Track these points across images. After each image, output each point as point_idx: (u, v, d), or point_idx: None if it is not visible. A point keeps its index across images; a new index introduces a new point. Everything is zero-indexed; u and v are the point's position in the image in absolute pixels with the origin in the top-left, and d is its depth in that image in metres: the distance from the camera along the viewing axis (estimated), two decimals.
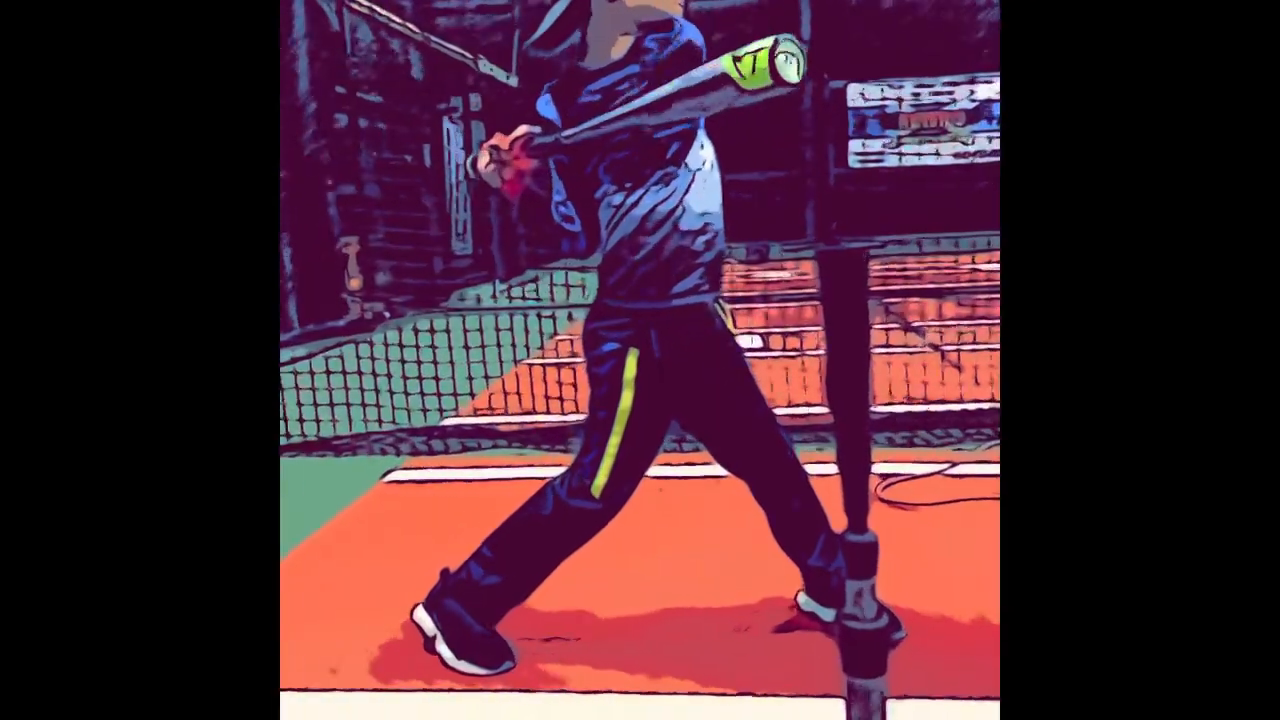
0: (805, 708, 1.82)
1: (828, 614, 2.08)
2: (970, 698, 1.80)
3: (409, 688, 1.99)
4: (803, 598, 2.16)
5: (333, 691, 2.00)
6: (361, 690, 2.00)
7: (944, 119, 15.80)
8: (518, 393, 4.43)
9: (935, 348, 5.42)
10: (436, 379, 4.47)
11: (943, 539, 2.62)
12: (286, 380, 4.65)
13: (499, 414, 4.31)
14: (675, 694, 1.90)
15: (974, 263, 10.12)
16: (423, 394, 4.39)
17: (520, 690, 1.95)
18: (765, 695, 1.88)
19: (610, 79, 1.85)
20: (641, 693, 1.92)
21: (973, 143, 15.73)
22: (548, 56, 1.92)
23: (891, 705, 1.08)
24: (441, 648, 2.03)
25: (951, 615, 2.14)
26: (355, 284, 8.62)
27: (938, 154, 15.71)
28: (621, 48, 1.86)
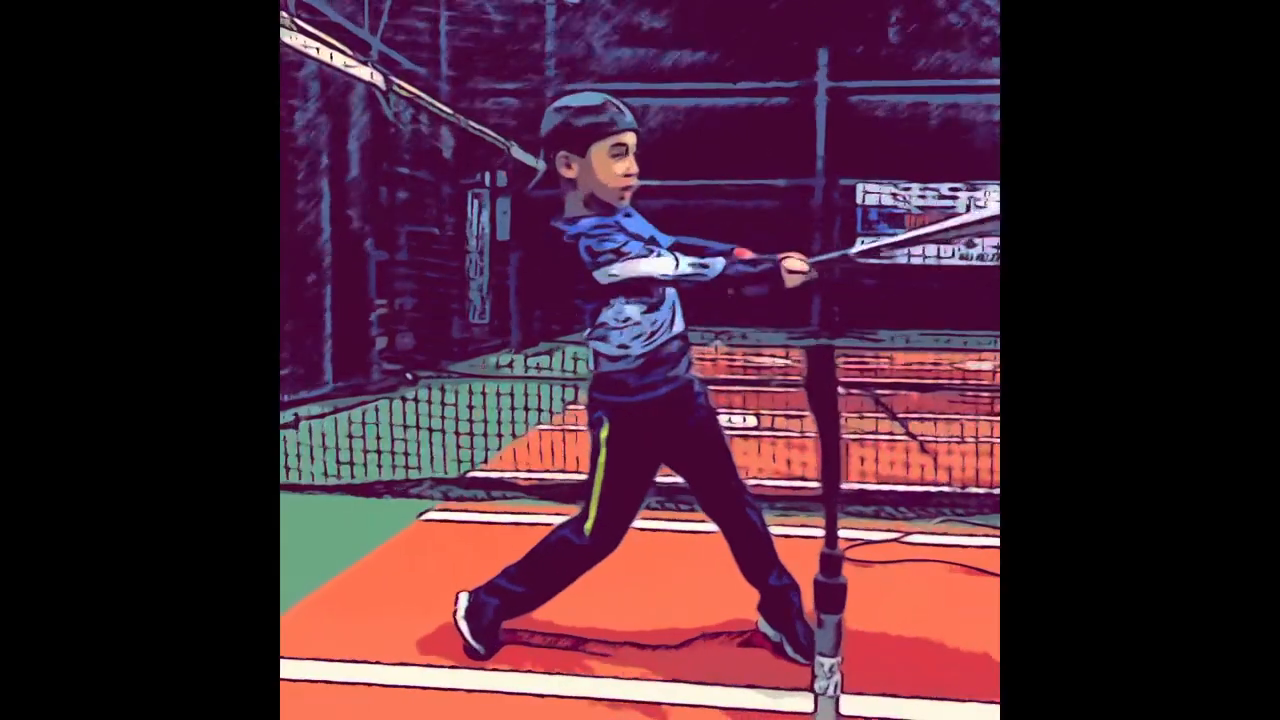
0: (761, 695, 2.36)
1: (776, 635, 2.64)
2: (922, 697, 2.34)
3: (438, 683, 2.51)
4: (761, 622, 2.71)
5: (372, 686, 2.54)
6: (396, 686, 2.53)
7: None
8: (539, 452, 5.05)
9: (913, 436, 5.98)
10: (470, 434, 5.13)
11: (892, 589, 3.16)
12: (328, 426, 5.29)
13: (521, 469, 4.87)
14: (661, 680, 2.45)
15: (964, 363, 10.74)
16: (458, 447, 5.02)
17: (537, 673, 2.50)
18: (732, 685, 2.43)
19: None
20: (639, 679, 2.46)
21: (975, 246, 16.40)
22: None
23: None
24: (461, 620, 2.62)
25: (897, 634, 2.69)
26: (379, 344, 9.25)
27: (939, 255, 16.36)
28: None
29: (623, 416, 2.47)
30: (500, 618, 2.64)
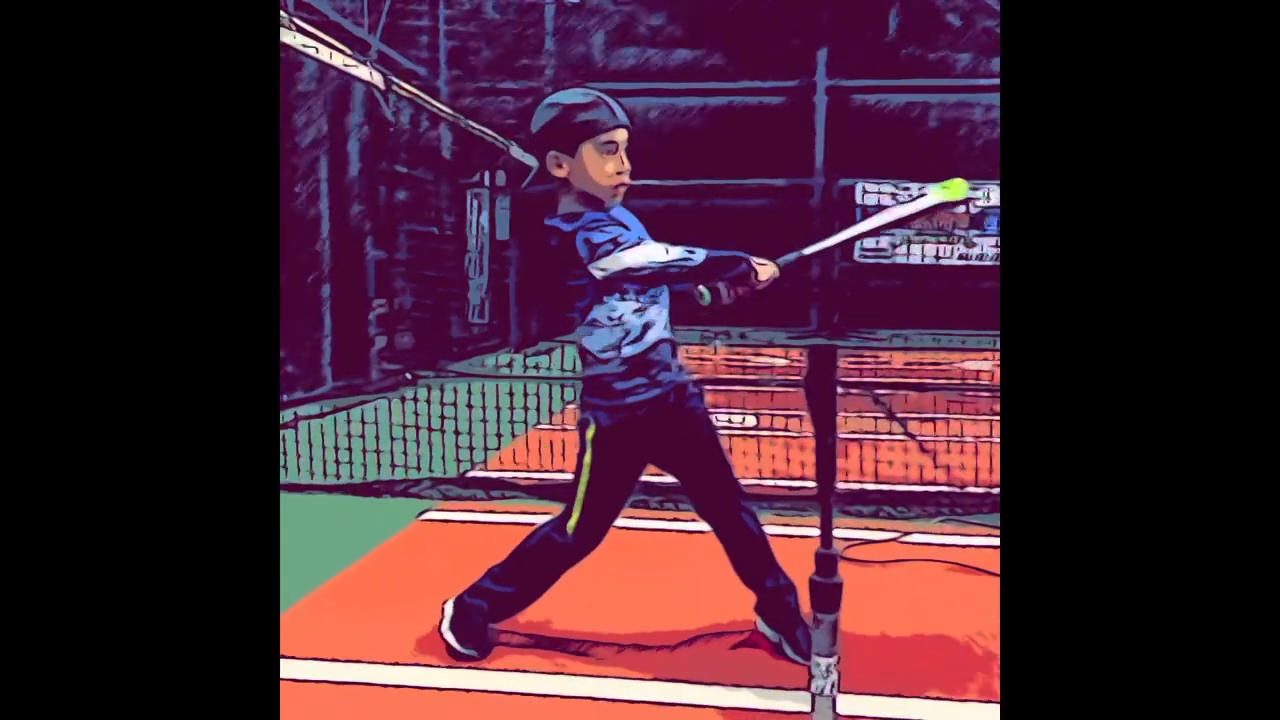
0: (760, 695, 2.36)
1: (775, 635, 2.63)
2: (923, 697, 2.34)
3: (438, 683, 2.51)
4: (760, 622, 2.70)
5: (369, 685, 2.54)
6: (396, 686, 2.52)
7: (951, 221, 16.47)
8: (538, 452, 5.06)
9: (911, 436, 5.98)
10: (469, 433, 5.14)
11: (891, 589, 3.16)
12: (327, 426, 5.29)
13: (520, 469, 4.88)
14: (661, 680, 2.45)
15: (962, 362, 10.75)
16: (457, 447, 5.04)
17: (537, 673, 2.50)
18: (731, 685, 2.43)
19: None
20: (639, 678, 2.46)
21: (975, 246, 16.38)
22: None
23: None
24: (446, 631, 2.61)
25: (896, 634, 2.69)
26: (379, 344, 9.25)
27: (938, 256, 16.34)
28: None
29: (608, 418, 2.47)
30: (487, 620, 2.64)
